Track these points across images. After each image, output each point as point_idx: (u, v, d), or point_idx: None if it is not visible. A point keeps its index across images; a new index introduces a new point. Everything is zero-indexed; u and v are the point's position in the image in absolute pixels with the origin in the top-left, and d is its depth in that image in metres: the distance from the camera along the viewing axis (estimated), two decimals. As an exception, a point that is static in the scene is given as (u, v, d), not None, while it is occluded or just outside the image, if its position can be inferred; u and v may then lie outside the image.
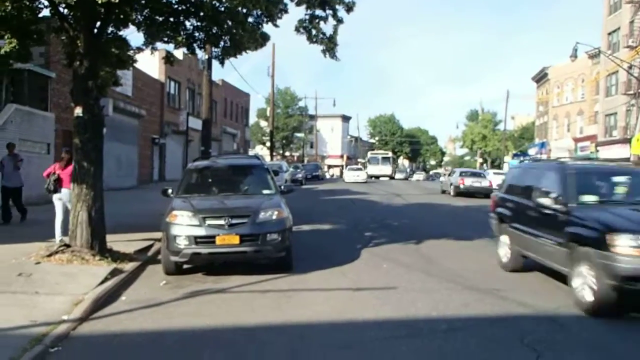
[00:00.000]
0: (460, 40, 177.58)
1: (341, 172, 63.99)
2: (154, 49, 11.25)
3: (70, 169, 9.46)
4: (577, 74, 49.60)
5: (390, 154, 63.49)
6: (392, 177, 56.23)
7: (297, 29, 10.87)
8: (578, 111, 51.08)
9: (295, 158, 73.11)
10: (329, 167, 79.42)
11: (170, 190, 9.54)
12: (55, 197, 10.22)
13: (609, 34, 42.04)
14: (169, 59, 12.79)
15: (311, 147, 78.97)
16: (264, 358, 5.00)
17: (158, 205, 13.93)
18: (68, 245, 8.83)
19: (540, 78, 59.88)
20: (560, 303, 6.98)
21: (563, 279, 8.53)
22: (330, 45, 10.92)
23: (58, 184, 10.13)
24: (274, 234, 8.13)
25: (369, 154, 63.43)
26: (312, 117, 74.57)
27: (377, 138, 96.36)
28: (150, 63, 27.20)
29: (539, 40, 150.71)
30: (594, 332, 5.87)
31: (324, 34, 10.82)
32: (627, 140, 34.10)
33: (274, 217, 8.31)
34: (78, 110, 8.77)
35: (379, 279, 8.28)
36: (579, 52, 33.10)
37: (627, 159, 31.95)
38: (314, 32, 10.78)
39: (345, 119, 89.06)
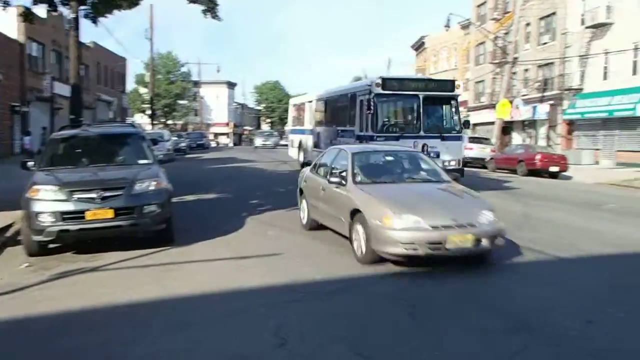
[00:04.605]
0: (348, 7, 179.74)
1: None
2: (6, 3, 9.94)
3: None
4: (451, 43, 52.58)
5: None
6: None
7: (173, -13, 10.16)
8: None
9: (180, 127, 70.44)
10: (216, 135, 77.55)
11: (31, 163, 8.61)
12: None
13: (478, 6, 44.96)
14: (27, 16, 11.44)
15: (196, 114, 76.45)
16: (145, 335, 4.71)
17: (19, 181, 12.61)
18: None
19: (419, 46, 62.70)
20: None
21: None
22: (210, 5, 10.38)
23: None
24: (152, 205, 7.67)
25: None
26: (196, 84, 71.97)
27: (263, 105, 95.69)
28: (6, 21, 24.33)
29: (421, 8, 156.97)
30: (460, 283, 6.31)
31: (203, -7, 10.24)
32: (494, 106, 37.07)
33: (152, 187, 7.84)
34: None
35: (265, 246, 8.21)
36: (453, 23, 35.14)
37: (492, 123, 34.86)
38: (193, -9, 10.16)
39: (231, 85, 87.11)
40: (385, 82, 14.37)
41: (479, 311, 5.32)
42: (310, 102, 22.01)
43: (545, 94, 34.28)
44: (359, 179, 7.92)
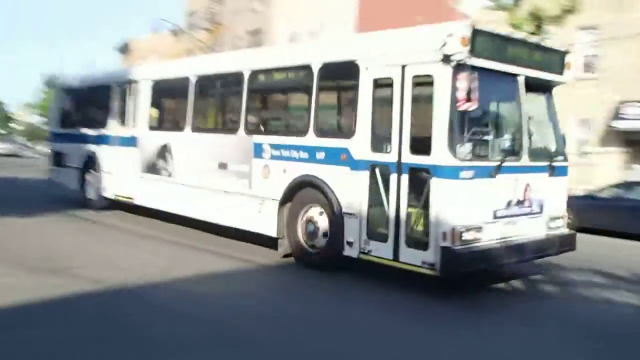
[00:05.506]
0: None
1: None
2: None
3: None
4: (160, 48, 52.10)
5: None
6: None
7: None
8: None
9: None
10: None
11: None
12: None
13: (190, 14, 45.93)
14: None
15: None
16: None
17: None
18: None
19: (125, 49, 60.62)
20: (127, 275, 6.80)
21: (133, 248, 8.59)
22: None
23: None
24: None
25: None
26: None
27: None
28: None
29: (127, 9, 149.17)
30: (162, 299, 6.07)
31: None
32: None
33: None
34: None
35: None
36: (163, 28, 34.84)
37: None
38: None
39: None
40: (478, 36, 6.18)
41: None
42: (145, 80, 10.82)
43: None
44: None
